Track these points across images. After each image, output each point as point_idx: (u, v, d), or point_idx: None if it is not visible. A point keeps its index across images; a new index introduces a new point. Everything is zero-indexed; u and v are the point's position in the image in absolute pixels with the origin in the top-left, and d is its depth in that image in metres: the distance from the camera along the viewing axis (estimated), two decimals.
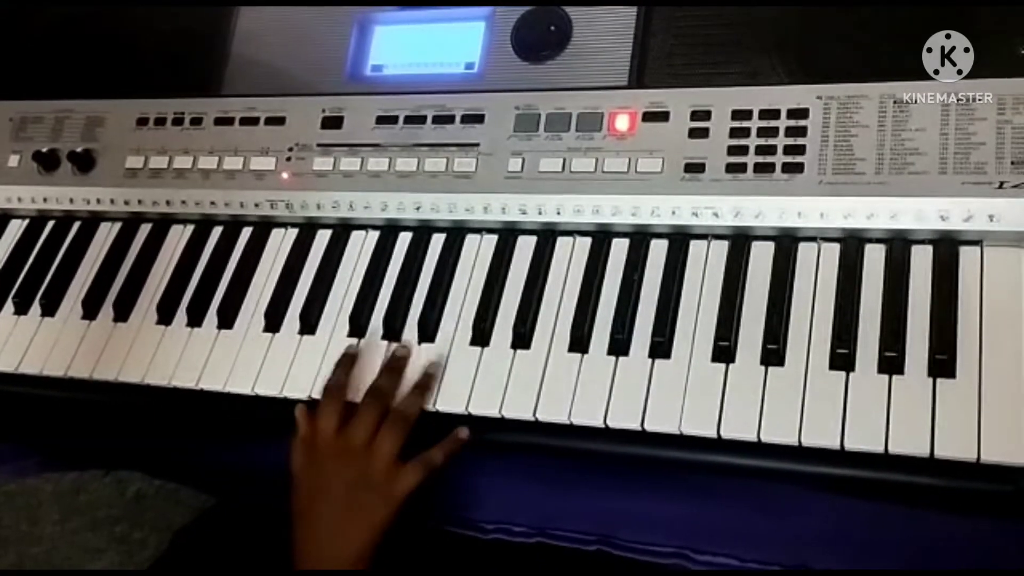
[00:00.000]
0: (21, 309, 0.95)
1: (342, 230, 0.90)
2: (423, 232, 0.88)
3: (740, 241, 0.79)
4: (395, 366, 0.81)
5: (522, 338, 0.79)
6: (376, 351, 0.83)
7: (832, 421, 0.69)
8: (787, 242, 0.78)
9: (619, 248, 0.82)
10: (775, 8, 0.81)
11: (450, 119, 0.87)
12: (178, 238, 0.95)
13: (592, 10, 0.87)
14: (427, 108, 0.88)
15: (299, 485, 0.78)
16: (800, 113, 0.78)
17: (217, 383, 0.85)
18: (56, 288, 0.95)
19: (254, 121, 0.93)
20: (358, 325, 0.84)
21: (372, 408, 0.78)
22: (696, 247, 0.80)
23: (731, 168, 0.78)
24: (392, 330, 0.83)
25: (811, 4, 0.81)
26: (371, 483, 0.75)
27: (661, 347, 0.76)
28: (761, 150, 0.78)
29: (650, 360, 0.76)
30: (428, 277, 0.85)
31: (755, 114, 0.79)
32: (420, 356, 0.81)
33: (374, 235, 0.89)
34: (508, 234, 0.85)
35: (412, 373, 0.80)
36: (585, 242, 0.83)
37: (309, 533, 0.76)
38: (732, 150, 0.79)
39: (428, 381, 0.79)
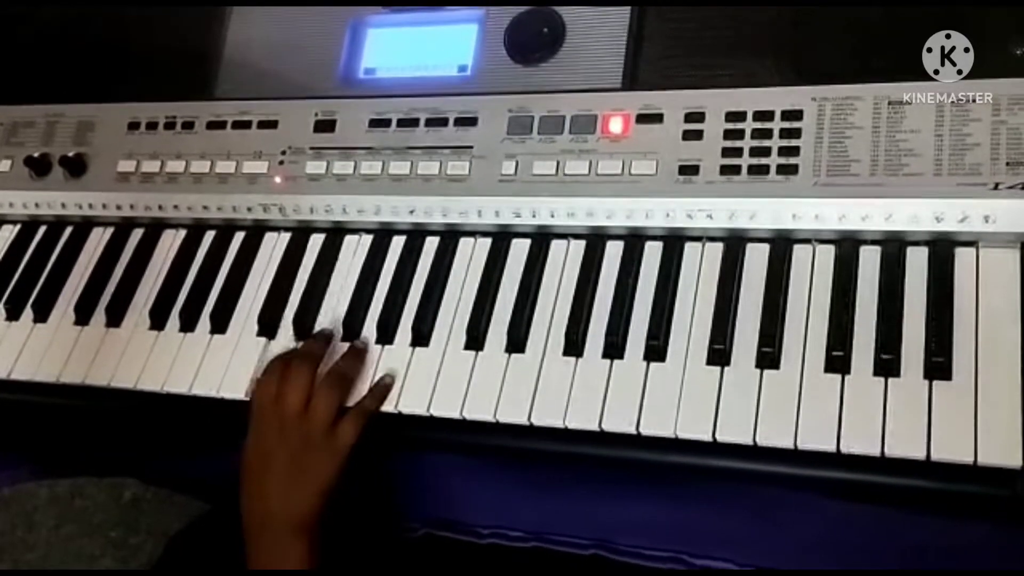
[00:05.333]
0: (12, 315, 0.94)
1: (335, 234, 0.90)
2: (416, 236, 0.87)
3: (735, 243, 0.78)
4: (323, 331, 0.83)
5: (516, 342, 0.79)
6: (370, 355, 0.82)
7: (828, 424, 0.68)
8: (782, 244, 0.77)
9: (613, 251, 0.81)
10: (769, 9, 0.81)
11: (443, 122, 0.87)
12: (170, 243, 0.95)
13: (585, 12, 0.86)
14: (420, 111, 0.88)
15: (246, 456, 0.78)
16: (794, 115, 0.77)
17: (211, 388, 0.84)
18: (48, 293, 0.94)
19: (246, 125, 0.93)
20: (352, 329, 0.84)
21: (300, 369, 0.78)
22: (691, 249, 0.80)
23: (725, 170, 0.78)
24: (386, 334, 0.83)
25: (805, 5, 0.80)
26: (313, 445, 0.76)
27: (656, 350, 0.75)
28: (755, 152, 0.78)
29: (645, 363, 0.75)
30: (422, 281, 0.85)
31: (749, 115, 0.79)
32: (414, 360, 0.81)
33: (367, 239, 0.89)
34: (502, 237, 0.85)
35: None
36: (579, 245, 0.83)
37: (256, 500, 0.77)
38: (726, 152, 0.78)
39: (363, 350, 0.81)
